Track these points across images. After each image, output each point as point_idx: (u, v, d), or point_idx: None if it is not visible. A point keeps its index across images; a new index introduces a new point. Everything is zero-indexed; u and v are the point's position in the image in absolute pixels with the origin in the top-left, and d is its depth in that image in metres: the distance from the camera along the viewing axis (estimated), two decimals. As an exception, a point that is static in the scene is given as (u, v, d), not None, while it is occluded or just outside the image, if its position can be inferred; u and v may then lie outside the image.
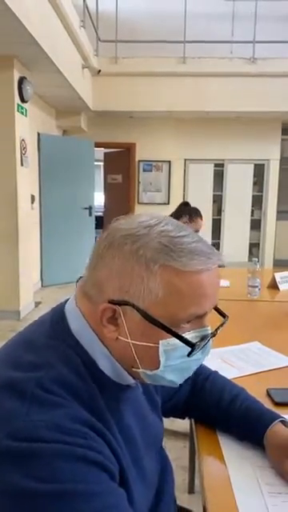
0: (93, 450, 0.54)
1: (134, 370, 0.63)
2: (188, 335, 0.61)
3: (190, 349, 0.61)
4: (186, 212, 3.07)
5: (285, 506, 0.69)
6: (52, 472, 0.49)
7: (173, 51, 5.59)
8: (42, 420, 0.52)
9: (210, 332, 0.64)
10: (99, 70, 5.61)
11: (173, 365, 0.62)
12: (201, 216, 3.14)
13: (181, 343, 0.60)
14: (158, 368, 0.61)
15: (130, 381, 0.67)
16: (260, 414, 0.85)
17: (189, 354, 0.61)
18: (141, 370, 0.63)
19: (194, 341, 0.61)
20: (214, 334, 0.65)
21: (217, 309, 0.68)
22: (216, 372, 1.00)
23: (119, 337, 0.61)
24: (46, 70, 4.15)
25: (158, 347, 0.60)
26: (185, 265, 0.57)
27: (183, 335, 0.60)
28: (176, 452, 2.12)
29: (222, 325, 0.67)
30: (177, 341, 0.60)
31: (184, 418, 0.98)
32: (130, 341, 0.61)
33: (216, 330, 0.66)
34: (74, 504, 0.49)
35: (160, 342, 0.60)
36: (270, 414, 0.84)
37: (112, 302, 0.60)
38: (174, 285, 0.58)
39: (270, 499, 0.70)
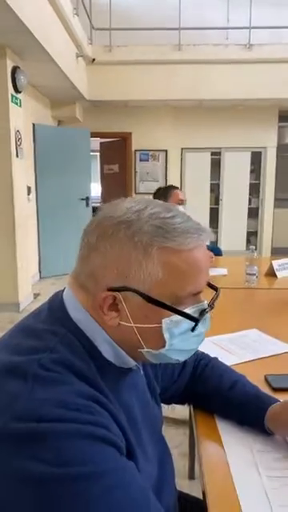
0: (99, 425, 0.54)
1: (139, 351, 0.64)
2: (188, 311, 0.63)
3: (192, 324, 0.63)
4: (160, 196, 3.02)
5: (283, 489, 0.70)
6: (59, 454, 0.49)
7: (168, 38, 5.52)
8: (46, 398, 0.52)
9: (206, 305, 0.66)
10: (93, 59, 5.54)
11: (177, 342, 0.63)
12: (174, 188, 3.10)
13: (183, 319, 0.62)
14: (163, 347, 0.63)
15: (132, 363, 0.68)
16: (259, 399, 0.86)
17: (193, 329, 0.64)
18: (146, 350, 0.64)
19: (194, 316, 0.64)
20: (211, 307, 0.67)
21: (209, 284, 0.70)
22: (216, 358, 1.01)
23: (121, 322, 0.62)
24: (40, 60, 4.10)
25: (161, 327, 0.62)
26: (180, 244, 0.60)
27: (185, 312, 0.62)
28: (176, 439, 2.14)
29: (216, 297, 0.70)
30: (179, 317, 0.62)
31: (184, 404, 0.99)
32: (133, 325, 0.62)
33: (212, 302, 0.68)
34: (84, 485, 0.49)
35: (163, 320, 0.61)
36: (268, 398, 0.86)
37: (112, 289, 0.60)
38: (172, 264, 0.60)
39: (269, 483, 0.71)
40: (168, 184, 3.28)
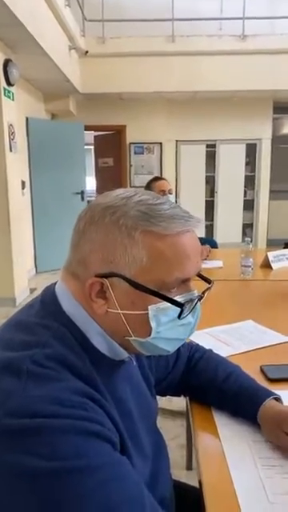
0: (93, 421, 0.54)
1: (126, 339, 0.64)
2: (176, 299, 0.63)
3: (179, 310, 0.62)
4: (146, 189, 3.01)
5: (278, 478, 0.70)
6: (53, 448, 0.49)
7: (161, 30, 5.47)
8: (40, 395, 0.52)
9: (196, 295, 0.66)
10: (86, 51, 5.49)
11: (164, 330, 0.63)
12: (158, 178, 3.08)
13: (170, 306, 0.62)
14: (150, 335, 0.62)
15: (124, 355, 0.68)
16: (253, 391, 0.86)
17: (179, 316, 0.63)
18: (133, 338, 0.64)
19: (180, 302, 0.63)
20: (200, 297, 0.67)
21: (201, 275, 0.70)
22: (210, 350, 1.02)
23: (109, 309, 0.62)
24: (32, 52, 4.05)
25: (147, 314, 0.61)
26: (165, 228, 0.59)
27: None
28: (174, 431, 2.16)
29: (208, 289, 0.69)
30: (166, 304, 0.61)
31: (180, 396, 0.99)
32: (119, 311, 0.62)
33: (203, 292, 0.68)
34: (79, 479, 0.49)
35: (149, 307, 0.61)
36: (263, 391, 0.86)
37: (99, 275, 0.60)
38: (156, 249, 0.59)
39: (264, 472, 0.72)
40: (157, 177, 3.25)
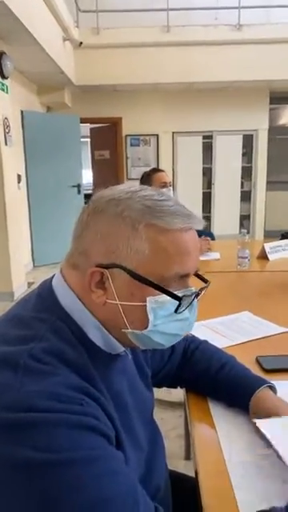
0: (89, 415, 0.54)
1: (123, 331, 0.64)
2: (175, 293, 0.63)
3: (176, 304, 0.63)
4: (145, 180, 2.99)
5: (274, 466, 0.71)
6: (49, 441, 0.50)
7: (156, 20, 5.42)
8: (36, 390, 0.52)
9: (194, 291, 0.67)
10: (81, 42, 5.43)
11: (161, 323, 0.63)
12: (158, 170, 3.06)
13: (168, 300, 0.62)
14: (146, 327, 0.63)
15: (120, 349, 0.68)
16: (247, 380, 0.87)
17: (176, 310, 0.63)
18: (130, 331, 0.64)
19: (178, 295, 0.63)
20: (198, 294, 0.67)
21: (198, 275, 0.70)
22: (206, 341, 1.02)
23: (107, 300, 0.63)
24: (26, 44, 4.01)
25: (146, 306, 0.62)
26: (168, 223, 0.61)
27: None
28: (173, 421, 2.18)
29: (205, 287, 0.70)
30: (164, 298, 0.62)
31: (176, 387, 1.00)
32: (118, 302, 0.62)
33: (200, 289, 0.68)
34: (73, 471, 0.49)
35: (147, 299, 0.62)
36: (256, 380, 0.87)
37: (100, 265, 0.61)
38: (158, 242, 0.61)
39: (259, 461, 0.72)
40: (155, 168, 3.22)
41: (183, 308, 0.65)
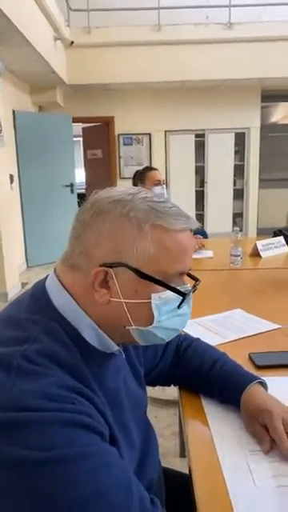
0: (82, 413, 0.55)
1: (127, 328, 0.66)
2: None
3: (179, 300, 0.66)
4: (138, 179, 2.99)
5: (265, 463, 0.72)
6: (42, 439, 0.50)
7: (147, 19, 5.41)
8: (29, 390, 0.53)
9: (189, 288, 0.69)
10: (72, 42, 5.42)
11: (164, 319, 0.66)
12: (151, 169, 3.07)
13: (171, 296, 0.65)
14: (151, 324, 0.65)
15: (114, 348, 0.69)
16: (238, 378, 0.88)
17: (179, 305, 0.67)
18: (134, 328, 0.65)
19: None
20: (194, 290, 0.71)
21: (189, 274, 0.72)
22: (198, 339, 1.03)
23: (111, 299, 0.64)
24: (17, 44, 3.99)
25: (150, 302, 0.64)
26: (171, 224, 0.63)
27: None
28: (168, 419, 2.19)
29: (198, 283, 0.73)
30: (167, 294, 0.65)
31: (169, 385, 1.00)
32: (123, 300, 0.63)
33: (194, 286, 0.71)
34: (68, 468, 0.50)
35: (152, 295, 0.64)
36: (247, 377, 0.88)
37: (104, 265, 0.62)
38: (163, 242, 0.63)
39: (251, 457, 0.74)
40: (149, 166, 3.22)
41: (185, 303, 0.67)
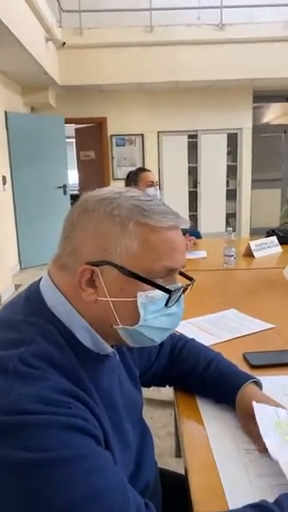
0: (77, 417, 0.55)
1: (114, 328, 0.65)
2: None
3: (166, 298, 0.65)
4: (131, 180, 2.99)
5: (260, 460, 0.73)
6: (39, 441, 0.51)
7: (139, 20, 5.42)
8: (26, 393, 0.53)
9: (181, 286, 0.68)
10: (64, 43, 5.40)
11: (151, 318, 0.65)
12: (144, 170, 3.07)
13: (158, 295, 0.64)
14: (137, 323, 0.64)
15: (108, 350, 0.69)
16: (233, 377, 0.88)
17: (166, 303, 0.65)
18: (121, 327, 0.65)
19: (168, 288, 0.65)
20: (185, 289, 0.69)
21: (183, 273, 0.72)
22: (193, 339, 1.03)
23: (98, 298, 0.64)
24: (8, 45, 3.97)
25: (136, 301, 0.63)
26: (157, 221, 0.63)
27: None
28: (163, 420, 2.19)
29: (190, 284, 0.71)
30: (154, 293, 0.64)
31: (165, 386, 1.00)
32: (109, 299, 0.63)
33: (187, 285, 0.70)
34: (64, 469, 0.51)
35: (138, 294, 0.63)
36: (242, 377, 0.88)
37: (90, 263, 0.62)
38: (148, 240, 0.63)
39: (247, 456, 0.74)
40: (142, 167, 3.22)
41: (173, 302, 0.66)
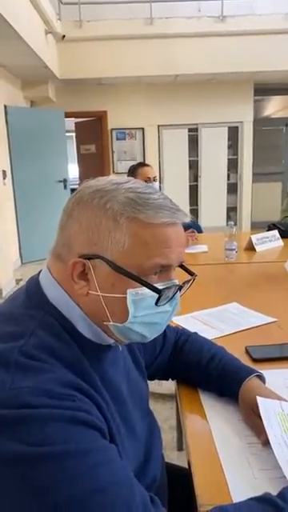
0: (81, 410, 0.55)
1: (105, 324, 0.64)
2: (155, 285, 0.63)
3: (156, 297, 0.62)
4: (130, 175, 2.98)
5: (263, 453, 0.73)
6: (43, 435, 0.50)
7: (139, 12, 5.37)
8: (28, 386, 0.53)
9: (176, 284, 0.66)
10: (63, 36, 5.36)
11: (141, 316, 0.63)
12: (143, 165, 3.06)
13: (148, 293, 0.62)
14: (127, 320, 0.63)
15: (110, 341, 0.69)
16: (236, 371, 0.88)
17: (156, 302, 0.63)
18: (111, 323, 0.64)
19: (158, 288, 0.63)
20: (180, 287, 0.66)
21: (184, 267, 0.70)
22: (195, 333, 1.03)
23: (90, 291, 0.63)
24: (7, 38, 3.94)
25: (126, 297, 0.62)
26: (150, 217, 0.61)
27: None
28: (165, 413, 2.20)
29: (189, 281, 0.69)
30: (145, 290, 0.62)
31: (168, 379, 1.01)
32: (99, 293, 0.62)
33: (183, 283, 0.68)
34: (68, 463, 0.50)
35: (128, 291, 0.62)
36: (245, 370, 0.88)
37: (82, 256, 0.62)
38: (139, 236, 0.61)
39: (250, 449, 0.74)
40: (142, 163, 3.21)
41: (164, 301, 0.64)
